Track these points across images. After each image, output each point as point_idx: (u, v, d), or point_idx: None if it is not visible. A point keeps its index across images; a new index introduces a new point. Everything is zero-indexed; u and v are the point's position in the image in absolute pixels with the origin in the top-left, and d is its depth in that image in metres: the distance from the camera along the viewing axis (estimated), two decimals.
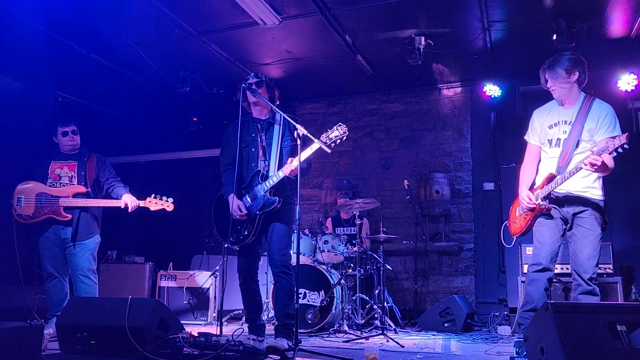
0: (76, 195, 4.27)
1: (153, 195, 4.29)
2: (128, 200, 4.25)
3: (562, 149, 3.32)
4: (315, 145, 3.41)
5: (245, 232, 3.63)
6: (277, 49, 5.76)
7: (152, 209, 4.28)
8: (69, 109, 6.88)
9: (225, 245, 3.76)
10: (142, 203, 4.27)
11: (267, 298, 5.41)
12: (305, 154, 3.47)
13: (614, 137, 3.00)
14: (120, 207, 4.28)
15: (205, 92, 6.40)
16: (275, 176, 3.56)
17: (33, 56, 5.66)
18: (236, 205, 3.58)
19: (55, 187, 4.29)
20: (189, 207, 5.99)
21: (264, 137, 3.73)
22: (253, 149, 3.72)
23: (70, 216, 4.23)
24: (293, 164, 3.44)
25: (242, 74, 6.27)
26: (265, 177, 3.62)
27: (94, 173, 4.41)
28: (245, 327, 3.82)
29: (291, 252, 3.98)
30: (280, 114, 3.68)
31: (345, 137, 3.43)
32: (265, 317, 5.27)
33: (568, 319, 2.36)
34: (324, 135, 3.45)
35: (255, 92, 3.66)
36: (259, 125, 3.76)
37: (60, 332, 3.30)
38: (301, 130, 3.36)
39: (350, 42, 5.58)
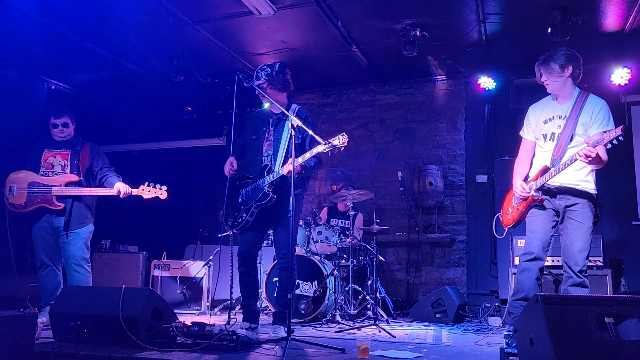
0: (68, 184, 4.25)
1: (146, 183, 4.28)
2: (121, 187, 4.24)
3: (557, 142, 3.34)
4: (316, 149, 3.52)
5: (240, 220, 3.74)
6: (272, 38, 5.73)
7: (145, 196, 4.27)
8: (62, 98, 6.82)
9: (219, 236, 3.79)
10: (135, 191, 4.26)
11: (260, 288, 5.42)
12: (305, 157, 3.54)
13: (608, 130, 3.02)
14: (113, 195, 4.26)
15: (200, 81, 6.37)
16: (276, 173, 3.65)
17: (25, 44, 5.59)
18: (228, 163, 3.74)
19: (48, 176, 4.25)
20: (183, 197, 5.98)
21: (272, 132, 3.82)
22: (260, 142, 3.84)
23: (62, 205, 4.21)
24: (289, 167, 3.47)
25: (236, 63, 6.25)
26: (270, 172, 3.71)
27: (87, 162, 4.38)
28: (239, 316, 3.85)
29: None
30: (292, 110, 3.82)
31: (343, 148, 3.46)
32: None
33: (557, 311, 2.38)
34: (326, 141, 3.50)
35: (263, 93, 3.73)
36: (270, 120, 3.86)
37: (53, 320, 3.30)
38: (295, 121, 3.41)
39: (346, 32, 5.56)
